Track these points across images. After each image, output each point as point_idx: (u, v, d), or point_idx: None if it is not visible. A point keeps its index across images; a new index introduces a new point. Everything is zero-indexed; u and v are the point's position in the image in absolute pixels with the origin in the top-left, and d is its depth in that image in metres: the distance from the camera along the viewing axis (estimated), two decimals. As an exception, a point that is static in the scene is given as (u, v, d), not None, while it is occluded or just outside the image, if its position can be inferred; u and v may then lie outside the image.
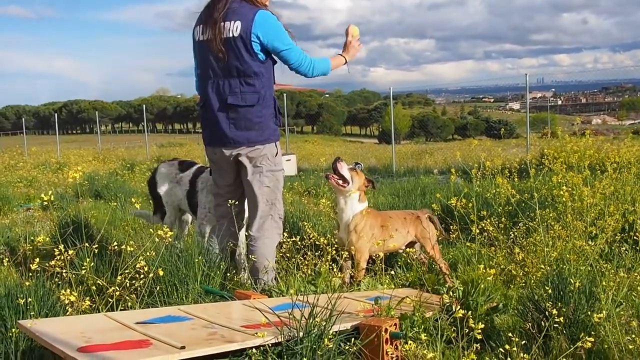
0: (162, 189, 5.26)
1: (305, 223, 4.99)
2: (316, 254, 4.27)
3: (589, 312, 3.21)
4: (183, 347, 2.49)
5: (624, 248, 4.58)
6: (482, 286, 3.64)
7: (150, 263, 3.56)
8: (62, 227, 5.48)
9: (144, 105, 40.11)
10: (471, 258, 4.65)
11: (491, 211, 5.28)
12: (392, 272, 4.47)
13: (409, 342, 2.95)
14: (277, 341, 2.75)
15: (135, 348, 2.52)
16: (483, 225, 4.82)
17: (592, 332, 3.05)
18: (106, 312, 3.25)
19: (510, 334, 2.96)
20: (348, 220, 4.53)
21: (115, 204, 7.96)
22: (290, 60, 4.10)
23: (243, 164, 4.13)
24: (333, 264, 4.12)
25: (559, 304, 3.21)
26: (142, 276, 3.47)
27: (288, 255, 4.35)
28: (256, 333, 2.70)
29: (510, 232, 4.97)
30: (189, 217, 5.44)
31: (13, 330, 2.97)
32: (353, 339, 2.90)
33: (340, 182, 4.49)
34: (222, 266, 4.10)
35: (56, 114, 41.86)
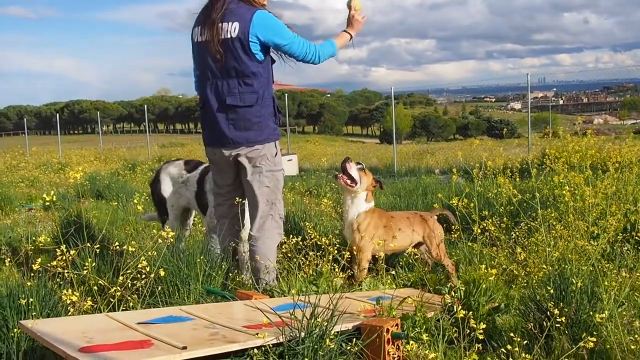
0: (167, 191, 5.14)
1: (307, 223, 4.99)
2: (318, 254, 4.27)
3: (591, 312, 3.20)
4: (184, 348, 2.49)
5: (625, 248, 4.58)
6: (484, 286, 3.64)
7: (151, 263, 3.56)
8: (63, 227, 5.47)
9: (145, 106, 40.04)
10: (473, 258, 4.65)
11: (493, 211, 5.28)
12: (394, 272, 4.47)
13: (411, 342, 2.95)
14: (278, 341, 2.75)
15: (137, 348, 2.52)
16: (485, 225, 4.82)
17: (594, 332, 3.04)
18: (108, 312, 3.26)
19: (512, 334, 2.96)
20: (352, 219, 4.58)
21: (116, 204, 7.96)
22: (295, 53, 4.09)
23: (242, 164, 4.13)
24: (335, 264, 4.12)
25: (561, 304, 3.21)
26: (143, 276, 3.47)
27: (289, 255, 4.35)
28: (257, 333, 2.70)
29: (512, 232, 4.97)
30: (191, 220, 5.38)
31: (15, 330, 2.97)
32: (354, 339, 2.90)
33: (349, 182, 4.55)
34: (223, 266, 4.10)
35: (58, 114, 41.87)
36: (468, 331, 2.86)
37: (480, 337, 2.81)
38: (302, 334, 2.77)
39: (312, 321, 2.81)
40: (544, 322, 3.18)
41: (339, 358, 2.85)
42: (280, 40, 4.02)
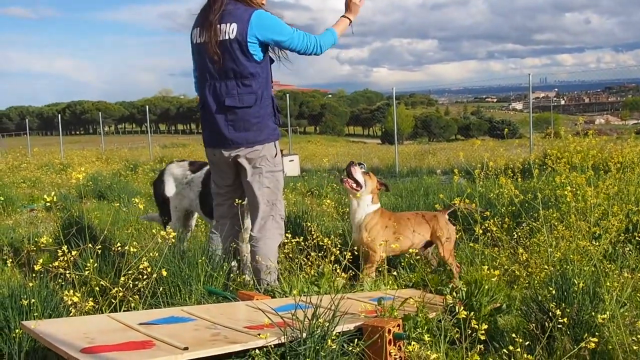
0: (171, 192, 5.10)
1: (309, 223, 4.98)
2: (319, 254, 4.28)
3: (593, 313, 3.20)
4: (186, 348, 2.49)
5: (627, 248, 4.58)
6: (486, 287, 3.63)
7: (153, 264, 3.56)
8: (65, 227, 5.47)
9: (147, 106, 40.05)
10: (474, 259, 4.65)
11: (494, 211, 5.27)
12: (395, 273, 4.47)
13: (412, 343, 2.95)
14: (280, 342, 2.75)
15: (139, 349, 2.52)
16: (486, 225, 4.82)
17: (596, 333, 3.04)
18: (109, 313, 3.26)
19: (513, 335, 2.96)
20: (360, 220, 4.63)
21: (118, 204, 7.96)
22: (297, 47, 4.09)
23: (242, 165, 4.13)
24: (336, 265, 4.12)
25: (563, 304, 3.21)
26: (145, 277, 3.47)
27: (291, 255, 4.35)
28: (259, 334, 2.70)
29: (514, 233, 4.96)
30: (193, 221, 5.36)
31: (17, 331, 2.97)
32: (356, 340, 2.90)
33: (354, 185, 4.59)
34: (225, 267, 4.10)
35: (59, 115, 41.91)
36: (470, 332, 2.86)
37: (482, 337, 2.80)
38: (304, 335, 2.77)
39: (314, 322, 2.80)
40: (546, 323, 3.18)
41: (340, 359, 2.84)
42: (279, 37, 4.02)
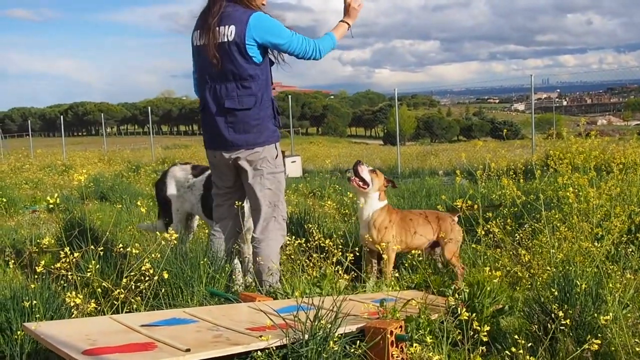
0: (173, 194, 5.08)
1: (311, 225, 4.98)
2: (321, 255, 4.28)
3: (596, 314, 3.19)
4: (188, 350, 2.49)
5: (630, 249, 4.57)
6: (488, 288, 3.63)
7: (155, 265, 3.56)
8: (67, 229, 5.47)
9: (149, 107, 40.14)
10: (477, 260, 4.65)
11: (497, 213, 5.27)
12: (397, 274, 4.47)
13: (415, 344, 2.95)
14: (282, 344, 2.75)
15: (141, 351, 2.52)
16: (488, 226, 4.82)
17: (599, 335, 3.04)
18: (111, 314, 3.26)
19: (516, 336, 2.96)
20: (368, 218, 4.68)
21: (120, 206, 7.96)
22: (295, 51, 4.08)
23: (243, 167, 4.13)
24: (338, 266, 4.11)
25: (565, 306, 3.20)
26: (147, 278, 3.47)
27: (293, 257, 4.34)
28: (261, 336, 2.69)
29: (516, 234, 4.96)
30: (195, 223, 5.35)
31: (18, 332, 2.96)
32: (358, 342, 2.90)
33: (361, 184, 4.64)
34: (227, 268, 4.10)
35: (62, 116, 41.99)
36: (472, 333, 2.85)
37: (485, 339, 2.80)
38: (306, 336, 2.77)
39: (316, 323, 2.80)
40: (549, 324, 3.18)
41: (342, 360, 2.84)
42: (277, 40, 4.01)
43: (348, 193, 5.81)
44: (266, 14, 4.04)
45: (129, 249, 3.62)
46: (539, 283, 3.94)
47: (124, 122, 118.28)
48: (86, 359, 2.37)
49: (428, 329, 3.28)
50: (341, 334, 2.90)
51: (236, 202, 4.22)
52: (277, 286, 4.05)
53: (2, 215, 8.86)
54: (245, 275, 4.48)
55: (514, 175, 6.81)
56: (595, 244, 4.24)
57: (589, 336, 2.90)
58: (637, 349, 2.99)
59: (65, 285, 3.54)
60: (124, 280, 3.46)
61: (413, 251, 4.19)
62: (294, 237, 4.40)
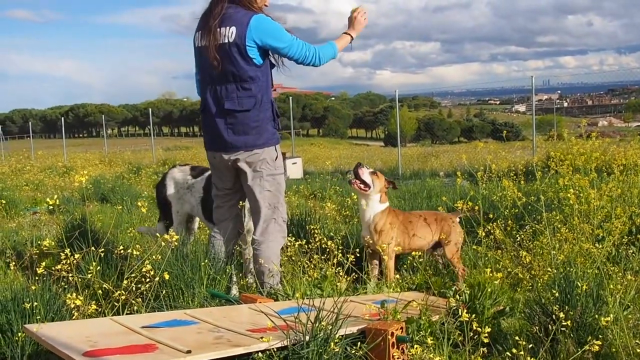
0: (173, 196, 5.06)
1: (311, 226, 4.98)
2: (322, 257, 4.28)
3: (597, 315, 3.19)
4: (189, 352, 2.49)
5: (631, 251, 4.57)
6: (489, 289, 3.63)
7: (156, 267, 3.56)
8: (68, 230, 5.48)
9: (150, 109, 40.16)
10: (478, 261, 4.65)
11: (497, 214, 5.27)
12: (398, 276, 4.47)
13: (416, 346, 2.95)
14: (283, 345, 2.75)
15: (141, 352, 2.52)
16: (489, 228, 4.82)
17: (600, 336, 3.04)
18: (112, 316, 3.26)
19: (517, 338, 2.96)
20: (369, 220, 4.68)
21: (121, 207, 7.97)
22: (295, 56, 4.08)
23: (242, 169, 4.13)
24: (339, 268, 4.12)
25: (566, 307, 3.20)
26: (148, 280, 3.47)
27: (294, 258, 4.34)
28: (262, 337, 2.69)
29: (517, 235, 4.95)
30: (195, 224, 5.34)
31: (19, 334, 2.97)
32: (359, 343, 2.89)
33: (362, 186, 4.64)
34: (228, 270, 4.10)
35: (63, 118, 42.01)
36: (473, 335, 2.85)
37: (485, 340, 2.80)
38: (307, 338, 2.77)
39: (317, 325, 2.80)
40: (549, 326, 3.18)
41: (343, 362, 2.84)
42: (277, 44, 4.01)
43: (350, 195, 5.81)
44: (268, 16, 4.05)
45: (129, 251, 3.62)
46: (539, 284, 3.94)
47: (125, 123, 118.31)
48: (87, 360, 2.37)
49: (429, 330, 3.28)
50: (342, 336, 2.90)
51: (237, 203, 4.22)
52: (278, 288, 4.05)
53: (3, 217, 8.87)
54: (246, 276, 4.47)
55: (515, 177, 6.82)
56: (596, 245, 4.24)
57: (590, 337, 2.90)
58: (638, 350, 2.99)
59: (66, 286, 3.54)
60: (125, 281, 3.46)
61: (414, 252, 4.19)
62: (294, 238, 4.40)
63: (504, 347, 3.27)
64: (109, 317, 3.19)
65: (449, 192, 8.37)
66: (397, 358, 2.92)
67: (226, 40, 3.94)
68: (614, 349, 3.10)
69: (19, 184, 13.62)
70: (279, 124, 4.25)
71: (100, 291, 3.44)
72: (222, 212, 4.38)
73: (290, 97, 25.18)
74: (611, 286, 3.39)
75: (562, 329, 3.06)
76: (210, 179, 4.81)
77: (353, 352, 2.85)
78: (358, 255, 4.36)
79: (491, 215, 4.94)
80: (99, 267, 3.59)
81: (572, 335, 3.18)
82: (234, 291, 4.30)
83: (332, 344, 2.75)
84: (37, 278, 3.43)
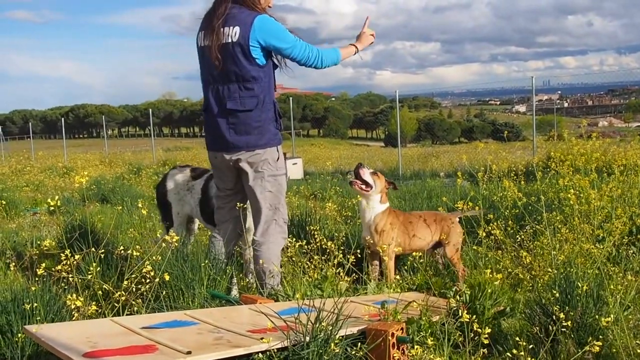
0: (173, 197, 5.06)
1: (312, 227, 4.98)
2: (322, 257, 4.27)
3: (597, 316, 3.19)
4: (189, 352, 2.49)
5: (631, 251, 4.57)
6: (489, 290, 3.63)
7: (156, 268, 3.56)
8: (68, 231, 5.48)
9: (150, 109, 40.14)
10: (478, 262, 4.64)
11: (498, 214, 5.26)
12: (399, 276, 4.47)
13: (416, 346, 2.94)
14: (283, 346, 2.75)
15: (141, 353, 2.52)
16: (490, 228, 4.81)
17: (600, 336, 3.03)
18: (112, 317, 3.26)
19: (517, 338, 2.95)
20: (370, 221, 4.69)
21: (121, 208, 7.97)
22: (297, 57, 4.09)
23: (244, 169, 4.12)
24: (339, 268, 4.11)
25: (567, 307, 3.20)
26: (148, 281, 3.46)
27: (294, 259, 4.34)
28: (262, 338, 2.69)
29: (517, 236, 4.95)
30: (195, 225, 5.34)
31: (19, 335, 2.97)
32: (359, 344, 2.89)
33: (364, 187, 4.65)
34: (228, 271, 4.09)
35: (63, 119, 42.00)
36: (473, 335, 2.85)
37: (486, 341, 2.80)
38: (307, 339, 2.77)
39: (317, 325, 2.80)
40: (550, 326, 3.18)
41: (343, 362, 2.84)
42: (281, 44, 4.01)
43: (350, 195, 5.81)
44: (271, 16, 4.05)
45: (130, 251, 3.62)
46: (540, 285, 3.94)
47: (125, 124, 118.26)
48: (87, 361, 2.37)
49: (429, 331, 3.27)
50: (342, 336, 2.90)
51: (237, 204, 4.22)
52: (278, 288, 4.05)
53: (3, 218, 8.87)
54: (247, 277, 4.47)
55: (515, 177, 6.82)
56: (597, 245, 4.24)
57: (590, 338, 2.90)
58: (639, 351, 2.99)
59: (66, 287, 3.54)
60: (125, 282, 3.46)
61: (414, 253, 4.19)
62: (294, 239, 4.40)
63: (505, 347, 3.27)
64: (109, 317, 3.19)
65: (449, 192, 8.37)
66: (398, 359, 2.92)
67: (230, 40, 3.94)
68: (614, 350, 3.10)
69: (19, 185, 13.62)
70: (282, 124, 4.25)
71: (100, 292, 3.44)
72: (223, 213, 4.38)
73: (291, 98, 25.19)
74: (611, 287, 3.39)
75: (563, 329, 3.06)
76: (209, 180, 4.82)
77: (353, 352, 2.84)
78: (358, 255, 4.36)
79: (491, 216, 4.94)
80: (99, 268, 3.59)
81: (572, 335, 3.18)
82: (234, 292, 4.30)
83: (332, 344, 2.75)
84: (37, 279, 3.43)
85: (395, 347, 2.97)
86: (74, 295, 3.20)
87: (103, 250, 3.76)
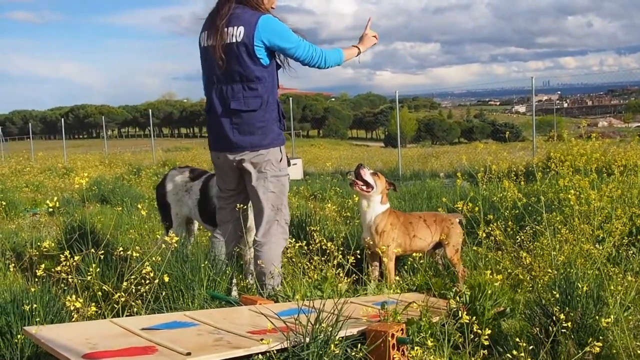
0: (172, 198, 5.05)
1: (312, 227, 4.98)
2: (322, 258, 4.27)
3: (597, 317, 3.19)
4: (189, 354, 2.48)
5: (631, 251, 4.57)
6: (489, 291, 3.62)
7: (156, 269, 3.55)
8: (68, 232, 5.48)
9: (150, 110, 40.15)
10: (478, 262, 4.64)
11: (498, 215, 5.26)
12: (398, 277, 4.46)
13: (416, 347, 2.94)
14: (283, 347, 2.74)
15: (141, 354, 2.51)
16: (490, 229, 4.81)
17: (600, 337, 3.03)
18: (112, 318, 3.25)
19: (517, 339, 2.95)
20: (370, 222, 4.68)
21: (121, 209, 7.97)
22: (301, 57, 4.09)
23: (247, 169, 4.12)
24: (339, 269, 4.11)
25: (567, 308, 3.20)
26: (147, 282, 3.46)
27: (294, 259, 4.34)
28: (262, 339, 2.69)
29: (517, 236, 4.95)
30: (195, 226, 5.34)
31: (18, 336, 2.96)
32: (359, 345, 2.89)
33: (364, 187, 4.64)
34: (228, 271, 4.09)
35: (63, 119, 42.01)
36: (473, 336, 2.85)
37: (486, 342, 2.79)
38: (307, 340, 2.77)
39: (317, 326, 2.80)
40: (550, 327, 3.17)
41: (343, 363, 2.84)
42: (285, 44, 4.01)
43: (350, 196, 5.80)
44: (275, 17, 4.05)
45: (129, 252, 3.62)
46: (540, 285, 3.93)
47: (125, 124, 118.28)
48: (86, 362, 2.36)
49: (429, 331, 3.27)
50: (342, 337, 2.90)
51: (240, 205, 4.22)
52: (278, 289, 4.04)
53: (3, 218, 8.87)
54: (247, 277, 4.47)
55: (515, 178, 6.81)
56: (597, 246, 4.24)
57: (591, 339, 2.90)
58: (639, 352, 2.99)
59: (65, 288, 3.53)
60: (125, 283, 3.46)
61: (414, 254, 4.19)
62: (294, 239, 4.39)
63: (505, 348, 3.26)
64: (108, 319, 3.19)
65: (449, 193, 8.36)
66: (398, 360, 2.92)
67: (234, 40, 3.94)
68: (614, 350, 3.10)
69: (19, 185, 13.63)
70: (285, 124, 4.25)
71: (100, 293, 3.44)
72: (225, 213, 4.38)
73: (291, 98, 25.18)
74: (612, 287, 3.39)
75: (563, 330, 3.06)
76: (208, 181, 4.81)
77: (353, 353, 2.84)
78: (358, 256, 4.36)
79: (491, 217, 4.94)
80: (98, 269, 3.59)
81: (572, 336, 3.18)
82: (234, 293, 4.29)
83: (332, 345, 2.75)
84: (36, 280, 3.42)
85: (395, 348, 2.96)
86: (74, 296, 3.20)
87: (103, 251, 3.76)
